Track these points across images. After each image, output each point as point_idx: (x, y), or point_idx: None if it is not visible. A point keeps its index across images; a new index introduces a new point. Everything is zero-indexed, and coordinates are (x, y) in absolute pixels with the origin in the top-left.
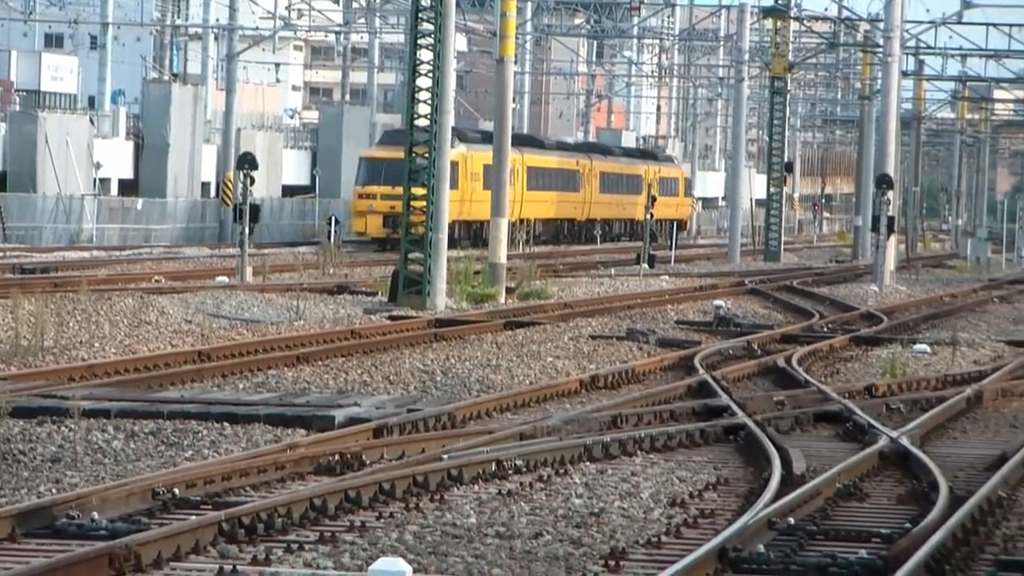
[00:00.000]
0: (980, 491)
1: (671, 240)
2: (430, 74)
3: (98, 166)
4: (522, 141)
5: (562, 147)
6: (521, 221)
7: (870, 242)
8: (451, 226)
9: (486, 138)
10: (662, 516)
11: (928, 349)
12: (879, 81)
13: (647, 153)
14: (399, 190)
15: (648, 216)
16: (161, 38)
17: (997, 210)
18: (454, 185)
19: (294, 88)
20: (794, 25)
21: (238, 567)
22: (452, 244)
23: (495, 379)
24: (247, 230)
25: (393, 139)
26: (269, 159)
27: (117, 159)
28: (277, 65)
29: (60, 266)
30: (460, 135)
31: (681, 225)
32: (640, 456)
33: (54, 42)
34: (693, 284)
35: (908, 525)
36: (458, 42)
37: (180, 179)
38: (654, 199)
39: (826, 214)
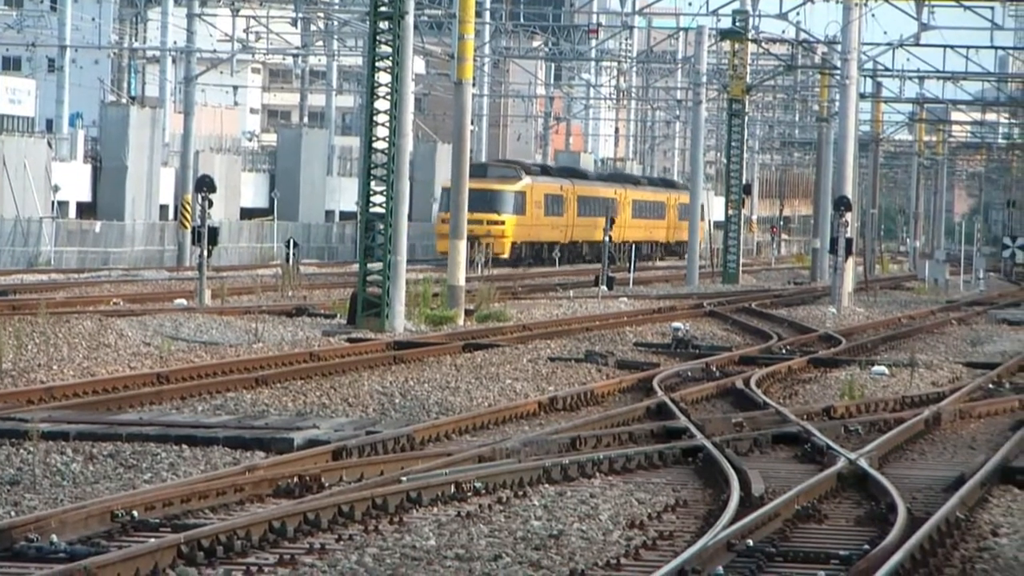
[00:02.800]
0: (938, 512)
1: (630, 263)
2: (388, 97)
3: (56, 189)
4: (569, 173)
5: (600, 178)
6: (572, 243)
7: (828, 264)
8: (517, 247)
9: (544, 171)
10: (621, 538)
11: (886, 371)
12: (837, 103)
13: (667, 182)
14: (479, 215)
15: (607, 239)
16: (119, 61)
17: (955, 232)
18: (521, 211)
19: (252, 111)
20: (752, 47)
21: None
22: (517, 263)
23: (454, 401)
24: (206, 253)
25: (471, 172)
26: (227, 182)
27: (75, 182)
28: (235, 88)
29: (18, 289)
30: (525, 168)
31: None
32: (599, 478)
33: (11, 65)
34: (652, 306)
35: (867, 547)
36: (416, 65)
37: (138, 202)
38: (613, 221)
39: (784, 236)
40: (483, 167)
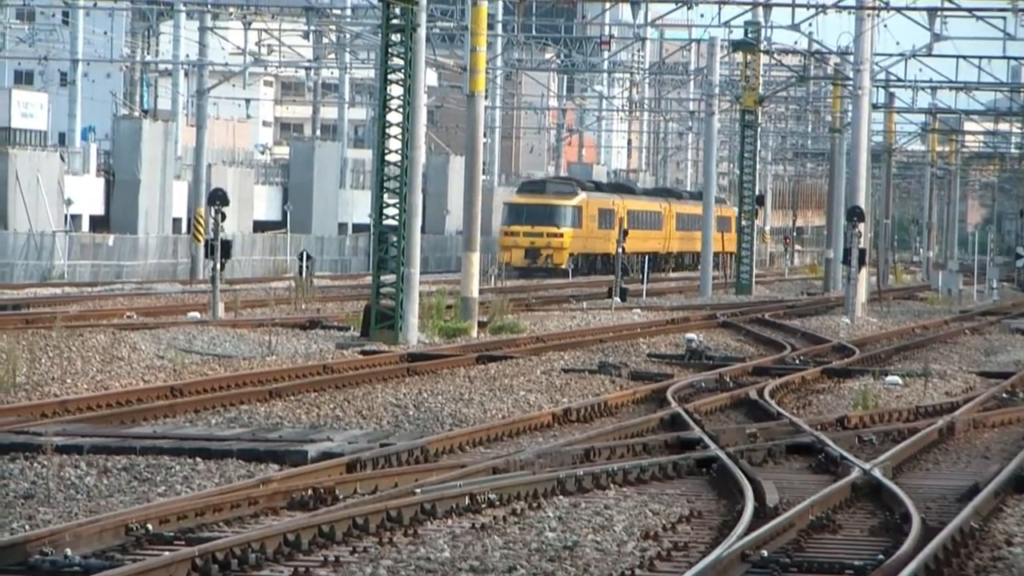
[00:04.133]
0: (952, 522)
1: (643, 274)
2: (400, 109)
3: (69, 202)
4: (619, 189)
5: (647, 193)
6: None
7: (841, 274)
8: (574, 258)
9: (597, 187)
10: (635, 549)
11: (900, 381)
12: (849, 114)
13: (718, 198)
14: (539, 228)
15: (620, 250)
16: (131, 74)
17: (968, 242)
18: (578, 225)
19: (265, 124)
20: (764, 59)
21: None
22: (575, 273)
23: (468, 413)
24: (219, 266)
25: (529, 188)
26: (240, 195)
27: (88, 195)
28: (247, 101)
29: (32, 303)
30: (581, 185)
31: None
32: (613, 489)
33: (24, 79)
34: (665, 317)
35: (881, 557)
36: (428, 77)
37: (151, 215)
38: (626, 233)
39: (797, 247)
40: (542, 184)
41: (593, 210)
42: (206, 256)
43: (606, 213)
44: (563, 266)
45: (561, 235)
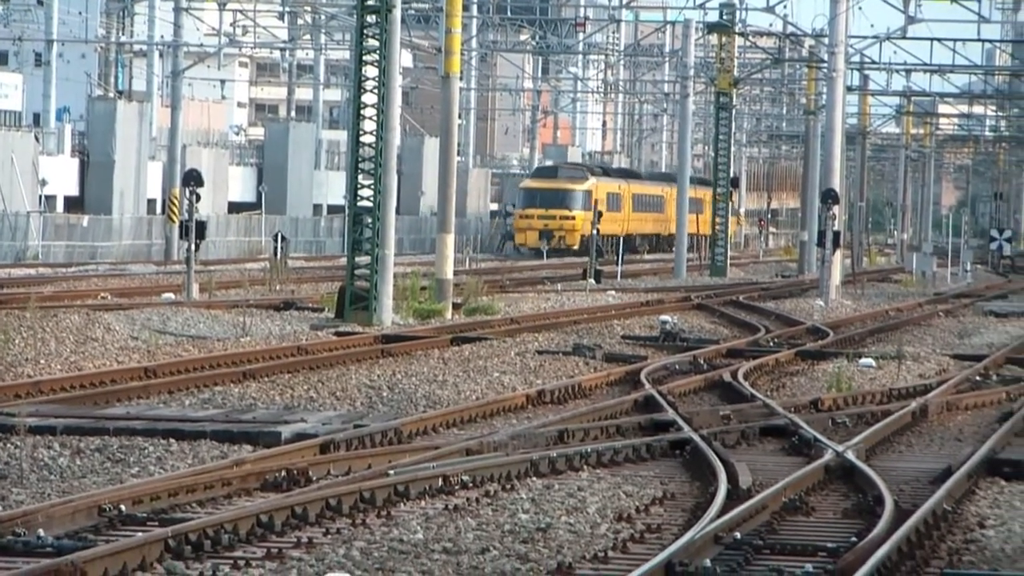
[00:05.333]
0: (925, 505)
1: (618, 256)
2: (376, 90)
3: (43, 183)
4: (625, 174)
5: (650, 177)
6: (628, 235)
7: (816, 257)
8: (585, 239)
9: (606, 172)
10: (609, 531)
11: (873, 363)
12: (824, 96)
13: (705, 180)
14: (552, 211)
15: (595, 232)
16: (106, 55)
17: (942, 224)
18: (589, 208)
19: (239, 105)
20: (739, 41)
21: None
22: (584, 253)
23: (442, 395)
24: (193, 247)
25: (543, 173)
26: (215, 176)
27: (62, 176)
28: (222, 82)
29: (6, 283)
30: (591, 170)
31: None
32: (587, 471)
33: None
34: (639, 299)
35: (854, 539)
36: (404, 58)
37: (126, 196)
38: (600, 215)
39: (772, 229)
40: (554, 169)
41: (602, 194)
42: (180, 237)
43: (614, 196)
44: (575, 247)
45: (573, 218)
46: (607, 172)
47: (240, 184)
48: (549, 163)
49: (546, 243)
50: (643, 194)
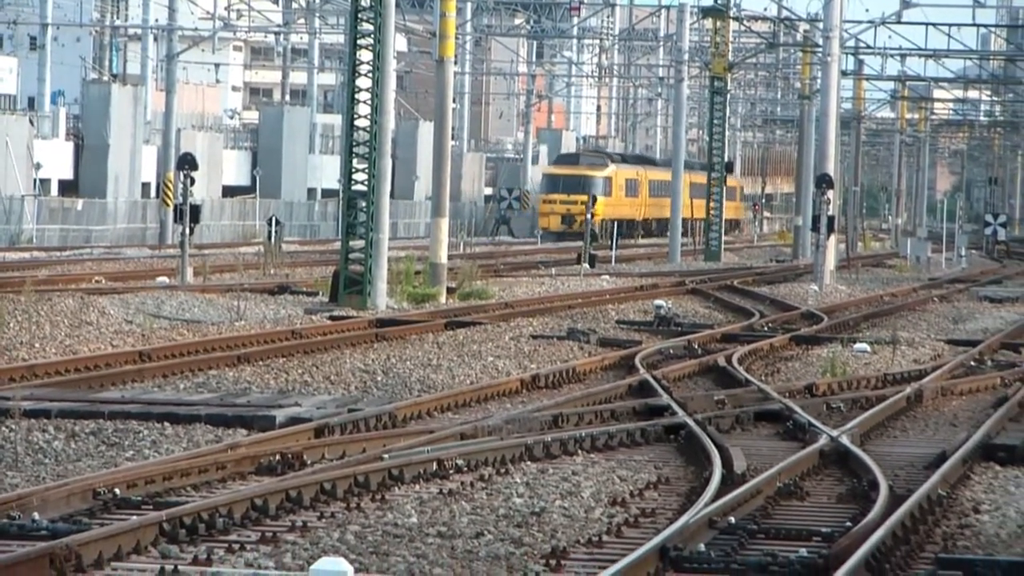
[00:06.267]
0: (920, 490)
1: (612, 240)
2: (370, 74)
3: (38, 167)
4: (641, 160)
5: (664, 163)
6: (645, 220)
7: (810, 242)
8: (602, 223)
9: (624, 159)
10: (603, 515)
11: (868, 348)
12: (819, 81)
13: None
14: (574, 196)
15: (589, 216)
16: (101, 39)
17: (937, 209)
18: (608, 193)
19: (234, 88)
20: (734, 25)
21: (179, 567)
22: (604, 237)
23: (436, 379)
24: (188, 231)
25: (565, 160)
26: (209, 160)
27: (57, 160)
28: (217, 66)
29: (0, 267)
30: (610, 157)
31: (737, 223)
32: (581, 455)
33: None
34: (634, 284)
35: (848, 524)
36: (398, 42)
37: (120, 180)
38: (595, 200)
39: (766, 214)
40: (575, 156)
41: (621, 180)
42: (175, 221)
43: (632, 182)
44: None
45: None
46: (625, 159)
47: (235, 168)
48: (570, 151)
49: (567, 227)
50: (659, 180)
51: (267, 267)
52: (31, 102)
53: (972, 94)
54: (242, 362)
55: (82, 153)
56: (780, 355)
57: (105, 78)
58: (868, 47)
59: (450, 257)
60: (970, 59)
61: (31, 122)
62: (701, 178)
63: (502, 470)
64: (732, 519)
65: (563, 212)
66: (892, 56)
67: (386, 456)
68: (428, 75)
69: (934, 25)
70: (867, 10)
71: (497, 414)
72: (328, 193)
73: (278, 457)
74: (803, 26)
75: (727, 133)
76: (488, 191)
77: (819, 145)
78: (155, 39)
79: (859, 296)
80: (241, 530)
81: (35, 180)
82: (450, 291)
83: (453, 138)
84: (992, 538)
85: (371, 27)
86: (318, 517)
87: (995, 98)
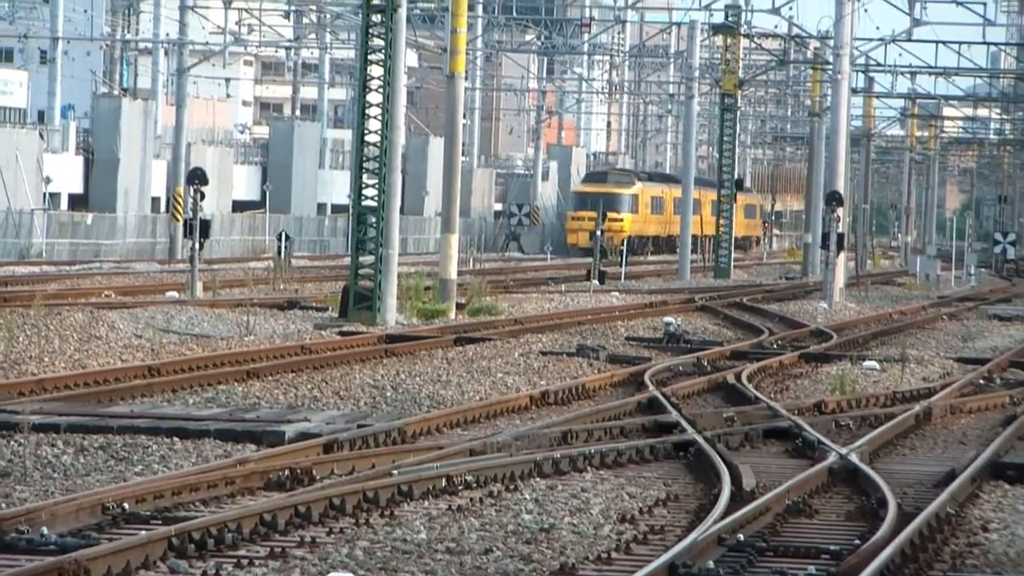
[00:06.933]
0: (929, 508)
1: (622, 257)
2: (380, 90)
3: (48, 181)
4: (666, 179)
5: (702, 183)
6: (669, 236)
7: (820, 259)
8: (629, 240)
9: (651, 178)
10: (612, 532)
11: (877, 366)
12: (829, 98)
13: (737, 185)
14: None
15: (599, 233)
16: (111, 53)
17: (946, 227)
18: (635, 211)
19: (244, 103)
20: (744, 42)
21: None
22: (632, 253)
23: (445, 395)
24: (197, 245)
25: (593, 178)
26: (219, 174)
27: (67, 174)
28: (227, 80)
29: (10, 281)
30: (637, 176)
31: (757, 240)
32: (590, 472)
33: (3, 56)
34: (643, 301)
35: (857, 542)
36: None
37: (130, 194)
38: (605, 216)
39: (776, 231)
40: (604, 175)
41: (647, 197)
42: (185, 236)
43: (658, 200)
44: (622, 248)
45: (621, 220)
46: (651, 177)
47: (244, 183)
48: (597, 169)
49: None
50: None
51: (277, 282)
52: (41, 116)
53: (982, 112)
54: (251, 377)
55: (92, 167)
56: (789, 372)
57: (115, 92)
58: (878, 65)
59: (460, 273)
60: (980, 77)
61: (41, 136)
62: (749, 199)
63: (511, 486)
64: (741, 536)
65: (591, 229)
66: (902, 74)
67: (395, 472)
68: (439, 91)
69: (944, 43)
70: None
71: (506, 430)
72: (338, 208)
73: (287, 472)
74: (813, 43)
75: (737, 150)
76: (498, 207)
77: (829, 162)
78: (166, 53)
79: (868, 314)
80: (250, 545)
81: (45, 194)
82: (460, 307)
83: (463, 154)
84: (1001, 556)
85: (382, 42)
86: (327, 533)
87: (1005, 116)
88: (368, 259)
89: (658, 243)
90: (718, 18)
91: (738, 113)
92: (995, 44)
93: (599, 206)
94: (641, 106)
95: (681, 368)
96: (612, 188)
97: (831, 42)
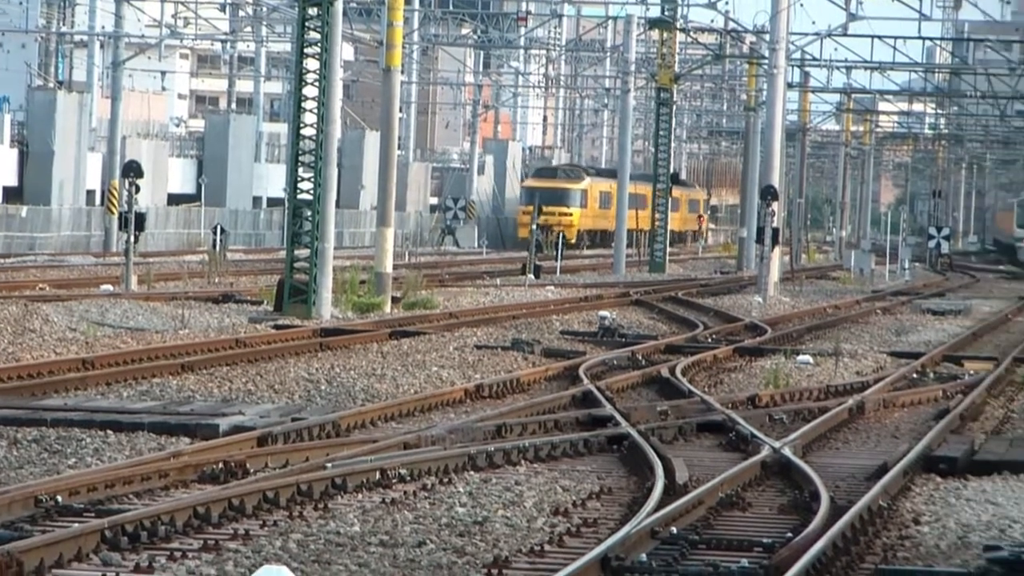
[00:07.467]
0: (861, 501)
1: (557, 251)
2: (316, 83)
3: None
4: (614, 175)
5: (635, 177)
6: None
7: (755, 253)
8: (580, 233)
9: (599, 173)
10: (545, 525)
11: (811, 360)
12: (764, 93)
13: (680, 181)
14: (551, 208)
15: (534, 227)
16: (46, 45)
17: (881, 222)
18: (584, 205)
19: (180, 96)
20: (680, 37)
21: (121, 574)
22: (579, 246)
23: (380, 388)
24: (132, 238)
25: (543, 174)
26: (155, 167)
27: (1, 167)
28: (163, 73)
29: None
30: (586, 171)
31: (700, 233)
32: (524, 465)
33: None
34: (578, 295)
35: (789, 535)
36: (345, 51)
37: (65, 187)
38: (540, 210)
39: (711, 225)
40: (553, 170)
41: (596, 192)
42: (120, 229)
43: (606, 195)
44: (572, 241)
45: (571, 214)
46: (599, 173)
47: (180, 176)
48: (551, 164)
49: (546, 237)
50: (635, 194)
51: (212, 275)
52: None
53: (917, 107)
54: (186, 370)
55: (27, 160)
56: (723, 366)
57: (51, 85)
58: (814, 59)
59: (395, 267)
60: (915, 72)
61: None
62: (693, 193)
63: (445, 479)
64: (674, 529)
65: (541, 223)
66: (838, 68)
67: (329, 465)
68: (375, 84)
69: (880, 38)
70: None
71: (440, 424)
72: (274, 202)
73: (221, 465)
74: (749, 38)
75: (673, 144)
76: (434, 201)
77: (764, 157)
78: (101, 46)
79: (803, 308)
80: (183, 538)
81: None
82: (395, 301)
83: (399, 147)
84: (932, 549)
85: (318, 36)
86: (260, 525)
87: (939, 111)
88: (303, 252)
89: (606, 237)
90: (654, 12)
91: (674, 107)
92: (930, 39)
93: (549, 201)
94: (577, 100)
95: (616, 362)
96: (562, 183)
97: (767, 37)
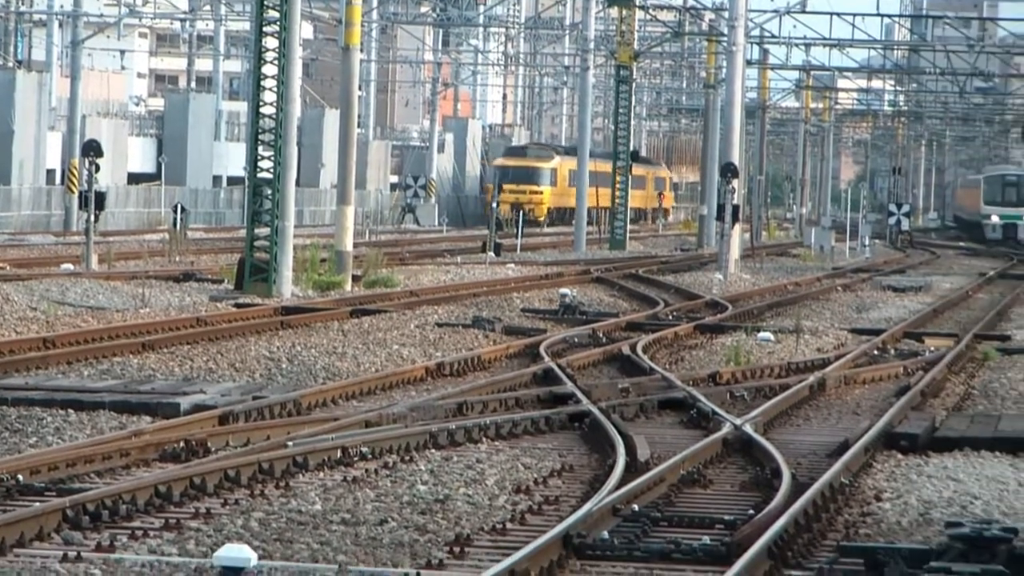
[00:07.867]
0: (822, 478)
1: (518, 229)
2: (276, 62)
3: None
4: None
5: (604, 156)
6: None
7: (715, 231)
8: (551, 211)
9: (569, 151)
10: (507, 503)
11: (772, 337)
12: (724, 70)
13: (646, 160)
14: (523, 186)
15: (494, 205)
16: (5, 24)
17: (841, 199)
18: (554, 184)
19: (139, 75)
20: (639, 14)
21: (82, 553)
22: (550, 224)
23: (341, 366)
24: (92, 217)
25: (514, 152)
26: (115, 146)
27: None
28: (122, 52)
29: None
30: (556, 150)
31: (666, 211)
32: (485, 443)
33: None
34: (539, 272)
35: (751, 512)
36: (304, 30)
37: (25, 166)
38: (501, 189)
39: (672, 203)
40: (524, 149)
41: (565, 171)
42: (80, 208)
43: (575, 174)
44: (542, 219)
45: (541, 192)
46: (568, 152)
47: (140, 155)
48: (512, 143)
49: (516, 214)
50: (599, 172)
51: (172, 254)
52: None
53: (876, 84)
54: (147, 349)
55: None
56: (684, 344)
57: (9, 64)
58: (773, 36)
59: (356, 245)
60: (874, 49)
61: None
62: (659, 171)
63: (406, 458)
64: (636, 507)
65: (512, 200)
66: (797, 45)
67: (290, 443)
68: (334, 63)
69: (838, 15)
70: None
71: (401, 402)
72: (234, 180)
73: (182, 444)
74: (708, 15)
75: (632, 122)
76: (394, 179)
77: (724, 134)
78: (60, 25)
79: (763, 285)
80: (145, 517)
81: None
82: (355, 279)
83: (359, 126)
84: (893, 526)
85: (277, 14)
86: (222, 504)
87: (899, 88)
88: (264, 231)
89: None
90: None
91: (633, 85)
92: (889, 16)
93: (520, 179)
94: (537, 78)
95: (576, 340)
96: (532, 162)
97: (726, 14)
